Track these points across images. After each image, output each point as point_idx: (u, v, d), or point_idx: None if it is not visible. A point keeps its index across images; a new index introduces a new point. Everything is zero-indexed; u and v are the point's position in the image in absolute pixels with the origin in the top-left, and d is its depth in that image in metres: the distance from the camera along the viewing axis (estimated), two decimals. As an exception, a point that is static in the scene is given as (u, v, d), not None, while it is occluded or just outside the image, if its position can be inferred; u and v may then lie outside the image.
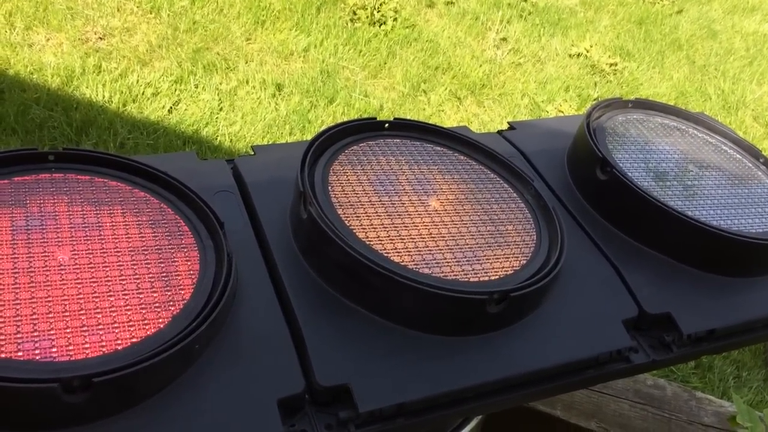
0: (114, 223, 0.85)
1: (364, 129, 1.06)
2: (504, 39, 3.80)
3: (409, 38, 3.55)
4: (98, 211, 0.86)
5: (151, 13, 3.23)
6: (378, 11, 3.61)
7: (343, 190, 0.95)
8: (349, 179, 0.97)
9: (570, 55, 3.82)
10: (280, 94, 2.97)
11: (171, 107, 2.75)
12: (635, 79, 3.78)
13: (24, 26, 2.96)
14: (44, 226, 0.82)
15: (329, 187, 0.95)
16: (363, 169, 1.00)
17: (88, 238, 0.82)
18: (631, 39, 4.13)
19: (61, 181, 0.88)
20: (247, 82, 2.97)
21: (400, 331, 0.85)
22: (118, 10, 3.19)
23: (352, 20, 3.55)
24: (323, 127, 1.00)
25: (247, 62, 3.10)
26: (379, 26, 3.56)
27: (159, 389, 0.72)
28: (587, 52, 3.83)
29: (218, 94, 2.87)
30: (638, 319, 0.96)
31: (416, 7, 3.86)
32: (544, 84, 3.54)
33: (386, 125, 1.08)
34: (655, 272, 1.01)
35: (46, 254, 0.79)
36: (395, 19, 3.63)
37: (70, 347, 0.70)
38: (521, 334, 0.89)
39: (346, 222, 0.90)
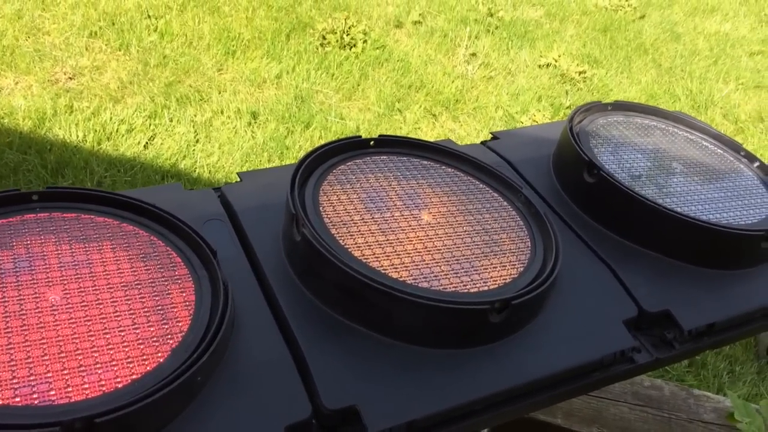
0: (104, 260, 0.83)
1: (350, 148, 1.06)
2: (473, 54, 3.84)
3: (380, 59, 3.57)
4: (87, 248, 0.84)
5: (120, 50, 3.21)
6: (347, 34, 3.63)
7: (335, 210, 0.94)
8: (339, 198, 0.97)
9: (539, 66, 3.87)
10: (255, 122, 2.96)
11: (146, 142, 2.73)
12: (605, 85, 3.83)
13: (-9, 71, 2.92)
14: (33, 267, 0.80)
15: (320, 208, 0.94)
16: (352, 188, 0.99)
17: (79, 276, 0.80)
18: (597, 46, 4.20)
19: (47, 221, 0.86)
20: (222, 113, 2.96)
21: (403, 348, 0.84)
22: (86, 49, 3.17)
23: (322, 45, 3.56)
24: (308, 150, 0.99)
25: (220, 92, 3.09)
26: (350, 49, 3.58)
27: (162, 426, 0.70)
28: (556, 61, 3.88)
29: (194, 126, 2.85)
30: (638, 318, 0.96)
31: (384, 28, 3.90)
32: (516, 95, 3.57)
33: (371, 143, 1.08)
34: (651, 271, 1.02)
35: (37, 295, 0.77)
36: (365, 41, 3.65)
37: (69, 389, 0.68)
38: (525, 343, 0.88)
39: (340, 241, 0.89)
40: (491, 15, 4.23)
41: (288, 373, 0.79)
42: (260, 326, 0.83)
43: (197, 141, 2.80)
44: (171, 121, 2.86)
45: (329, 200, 0.96)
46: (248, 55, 3.37)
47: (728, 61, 4.35)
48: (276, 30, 3.58)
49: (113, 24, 3.36)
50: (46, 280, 0.79)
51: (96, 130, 2.70)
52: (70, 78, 2.99)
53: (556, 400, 0.91)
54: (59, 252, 0.83)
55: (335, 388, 0.78)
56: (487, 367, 0.85)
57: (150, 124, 2.82)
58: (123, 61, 3.15)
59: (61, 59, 3.07)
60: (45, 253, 0.82)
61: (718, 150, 1.25)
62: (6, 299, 0.75)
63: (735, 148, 1.26)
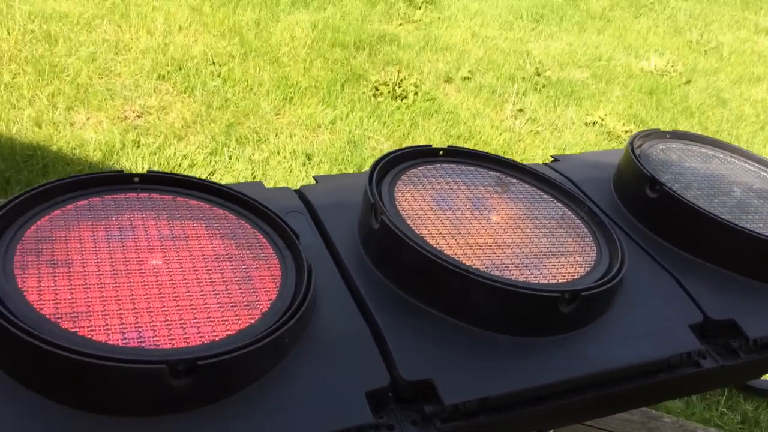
0: (198, 235, 0.90)
1: (421, 155, 1.12)
2: (521, 110, 3.93)
3: (430, 110, 3.68)
4: (183, 225, 0.91)
5: (185, 93, 3.39)
6: (399, 86, 3.77)
7: (410, 205, 1.00)
8: (413, 195, 1.02)
9: (586, 124, 3.93)
10: (309, 163, 3.07)
11: (207, 177, 2.84)
12: (651, 144, 3.87)
13: (66, 107, 3.11)
14: (136, 236, 0.86)
15: (396, 202, 0.99)
16: (424, 188, 1.05)
17: (176, 247, 0.87)
18: (643, 108, 4.26)
19: (147, 200, 0.93)
20: (278, 153, 3.08)
21: (476, 332, 0.87)
22: (154, 90, 3.36)
23: (375, 95, 3.70)
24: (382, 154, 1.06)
25: (277, 135, 3.22)
26: (401, 100, 3.71)
27: (254, 380, 0.75)
28: (602, 120, 3.94)
29: (251, 164, 2.97)
30: (703, 325, 0.98)
31: (435, 82, 4.03)
32: (563, 150, 3.63)
33: (441, 152, 1.14)
34: (714, 282, 1.04)
35: (141, 259, 0.83)
36: (416, 93, 3.78)
37: (172, 338, 0.73)
38: (592, 336, 0.91)
39: (416, 231, 0.94)
40: (538, 74, 4.35)
41: (367, 345, 0.83)
42: (339, 305, 0.88)
43: (254, 177, 2.90)
44: (230, 158, 2.99)
45: (404, 196, 1.01)
46: (305, 102, 3.52)
47: (776, 127, 4.35)
48: (331, 80, 3.74)
49: (180, 69, 3.55)
50: (148, 247, 0.85)
51: (160, 163, 2.84)
52: (138, 116, 3.15)
53: (623, 398, 0.92)
54: (158, 226, 0.89)
55: (412, 362, 0.81)
56: (556, 355, 0.87)
57: (210, 161, 2.94)
58: (187, 103, 3.32)
59: (130, 98, 3.25)
60: (146, 226, 0.89)
61: (778, 180, 1.28)
62: (114, 260, 0.82)
63: (795, 179, 1.28)
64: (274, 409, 0.73)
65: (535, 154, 3.55)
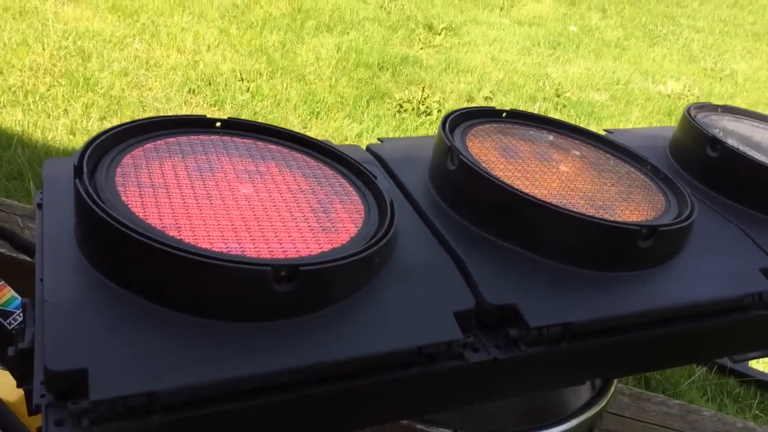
0: (282, 172, 0.92)
1: (484, 115, 1.15)
2: (543, 128, 3.98)
3: (454, 126, 3.73)
4: (267, 163, 0.93)
5: (215, 106, 3.45)
6: (423, 104, 3.83)
7: (479, 153, 1.02)
8: (482, 145, 1.04)
9: (607, 141, 3.97)
10: (338, 173, 3.11)
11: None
12: (673, 161, 3.90)
13: (99, 116, 3.18)
14: (224, 170, 0.89)
15: (468, 150, 1.02)
16: (491, 142, 1.07)
17: (264, 180, 0.89)
18: (663, 128, 4.30)
19: (230, 142, 0.96)
20: (308, 162, 3.12)
21: (555, 265, 0.88)
22: (184, 103, 3.42)
23: (399, 111, 3.76)
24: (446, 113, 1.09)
25: (305, 146, 3.27)
26: (426, 116, 3.76)
27: (347, 295, 0.76)
28: (624, 138, 3.98)
29: (281, 172, 3.01)
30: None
31: (457, 101, 4.09)
32: (586, 165, 3.66)
33: (504, 114, 1.17)
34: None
35: (232, 188, 0.85)
36: (439, 111, 3.84)
37: (271, 251, 0.75)
38: (669, 274, 0.92)
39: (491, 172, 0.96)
40: (558, 95, 4.41)
41: (451, 272, 0.84)
42: (421, 240, 0.90)
43: (284, 185, 2.94)
44: (260, 166, 3.03)
45: (473, 145, 1.04)
46: (331, 116, 3.58)
47: (796, 147, 4.38)
48: (357, 96, 3.80)
49: (210, 84, 3.63)
50: (237, 179, 0.87)
51: (193, 169, 2.88)
52: (170, 126, 3.21)
53: (698, 338, 0.93)
54: (243, 162, 0.92)
55: (495, 288, 0.82)
56: (634, 288, 0.88)
57: (241, 168, 2.98)
58: (217, 115, 3.37)
59: (161, 110, 3.32)
60: (232, 162, 0.91)
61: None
62: (207, 186, 0.84)
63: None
64: (367, 322, 0.74)
65: (558, 168, 3.58)
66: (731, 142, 1.20)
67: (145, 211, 0.76)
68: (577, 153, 1.11)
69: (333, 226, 0.83)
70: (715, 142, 1.13)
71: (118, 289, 0.70)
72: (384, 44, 4.71)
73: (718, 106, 1.36)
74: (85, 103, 3.25)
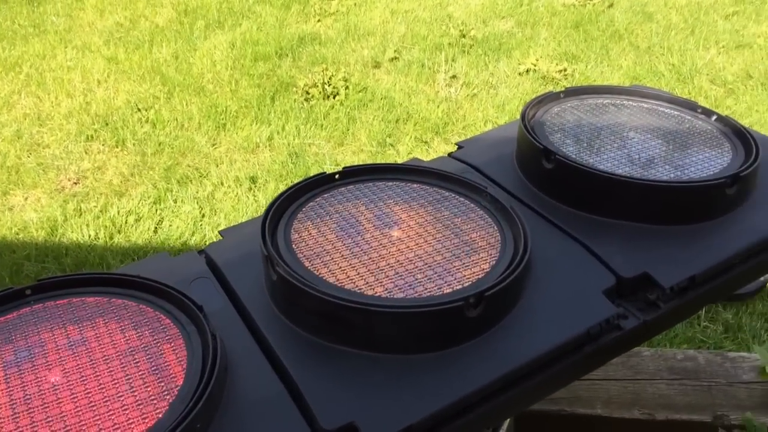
0: (98, 335, 0.89)
1: (316, 185, 1.11)
2: (454, 76, 3.92)
3: (363, 101, 3.66)
4: (81, 328, 0.90)
5: (117, 147, 3.35)
6: (329, 85, 3.74)
7: (307, 244, 0.99)
8: (310, 233, 1.01)
9: (519, 74, 3.93)
10: (255, 186, 3.05)
11: (155, 227, 2.82)
12: (587, 78, 3.87)
13: (1, 192, 3.07)
14: (32, 356, 0.85)
15: (293, 245, 0.98)
16: (322, 221, 1.04)
17: (76, 354, 0.86)
18: (572, 43, 4.26)
19: (42, 311, 0.92)
20: (222, 184, 3.06)
21: (389, 359, 0.87)
22: (85, 152, 3.31)
23: (306, 99, 3.67)
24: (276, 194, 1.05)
25: (217, 165, 3.20)
26: (333, 98, 3.68)
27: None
28: (534, 66, 3.94)
29: (197, 203, 2.95)
30: (618, 286, 0.98)
31: (363, 71, 4.00)
32: (502, 106, 3.63)
33: (336, 176, 1.13)
34: (623, 239, 1.04)
35: (39, 380, 0.82)
36: (346, 88, 3.76)
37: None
38: (508, 331, 0.91)
39: (314, 272, 0.93)
40: (463, 36, 4.33)
41: (284, 405, 0.82)
42: (253, 367, 0.88)
43: (203, 216, 2.88)
44: (175, 202, 2.96)
45: (301, 237, 1.00)
46: (238, 125, 3.49)
47: (705, 28, 4.37)
48: (260, 96, 3.70)
49: (107, 124, 3.51)
50: (46, 364, 0.84)
51: (106, 226, 2.81)
52: (75, 183, 3.11)
53: (551, 384, 0.93)
54: (55, 337, 0.88)
55: (331, 408, 0.81)
56: (474, 361, 0.87)
57: (156, 209, 2.92)
58: (121, 157, 3.28)
59: (63, 168, 3.21)
60: (42, 341, 0.87)
61: (675, 112, 1.28)
62: (11, 388, 0.81)
63: (691, 107, 1.29)
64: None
65: (476, 117, 3.55)
66: (569, 143, 1.18)
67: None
68: (415, 204, 1.08)
69: (151, 395, 0.80)
70: (549, 153, 1.11)
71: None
72: (279, 27, 4.56)
73: (560, 92, 1.33)
74: (-18, 181, 3.13)
